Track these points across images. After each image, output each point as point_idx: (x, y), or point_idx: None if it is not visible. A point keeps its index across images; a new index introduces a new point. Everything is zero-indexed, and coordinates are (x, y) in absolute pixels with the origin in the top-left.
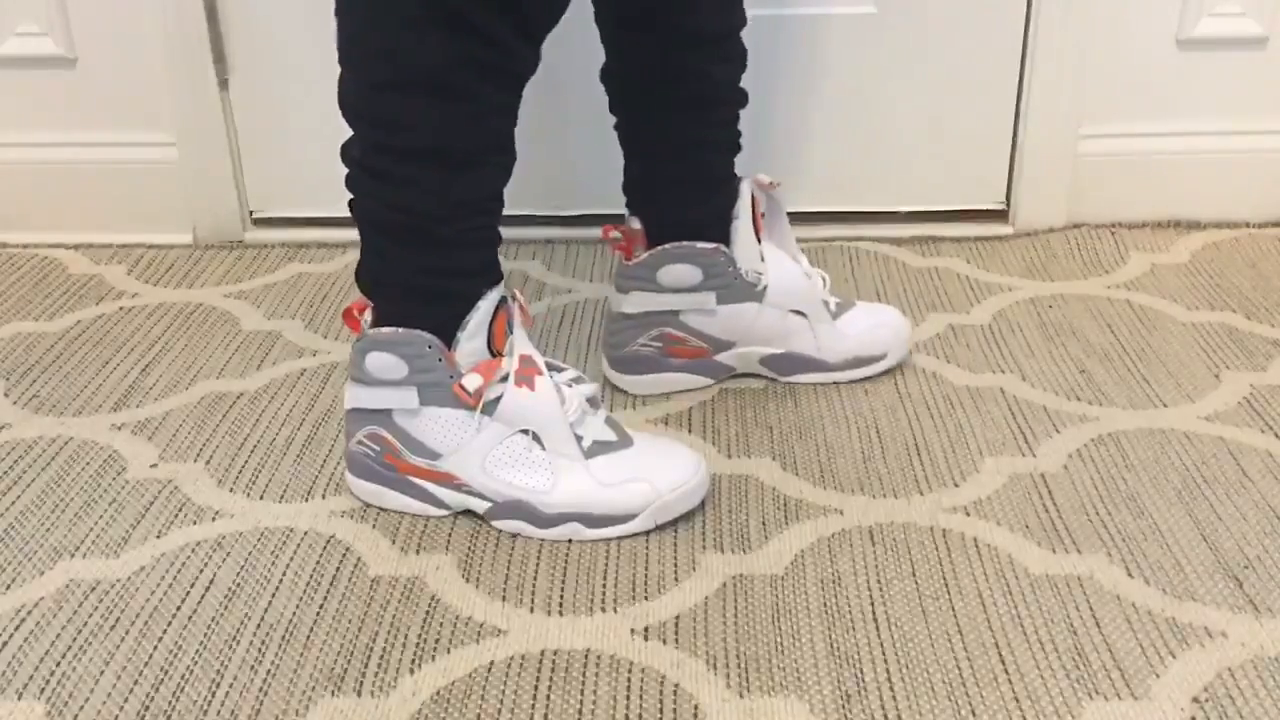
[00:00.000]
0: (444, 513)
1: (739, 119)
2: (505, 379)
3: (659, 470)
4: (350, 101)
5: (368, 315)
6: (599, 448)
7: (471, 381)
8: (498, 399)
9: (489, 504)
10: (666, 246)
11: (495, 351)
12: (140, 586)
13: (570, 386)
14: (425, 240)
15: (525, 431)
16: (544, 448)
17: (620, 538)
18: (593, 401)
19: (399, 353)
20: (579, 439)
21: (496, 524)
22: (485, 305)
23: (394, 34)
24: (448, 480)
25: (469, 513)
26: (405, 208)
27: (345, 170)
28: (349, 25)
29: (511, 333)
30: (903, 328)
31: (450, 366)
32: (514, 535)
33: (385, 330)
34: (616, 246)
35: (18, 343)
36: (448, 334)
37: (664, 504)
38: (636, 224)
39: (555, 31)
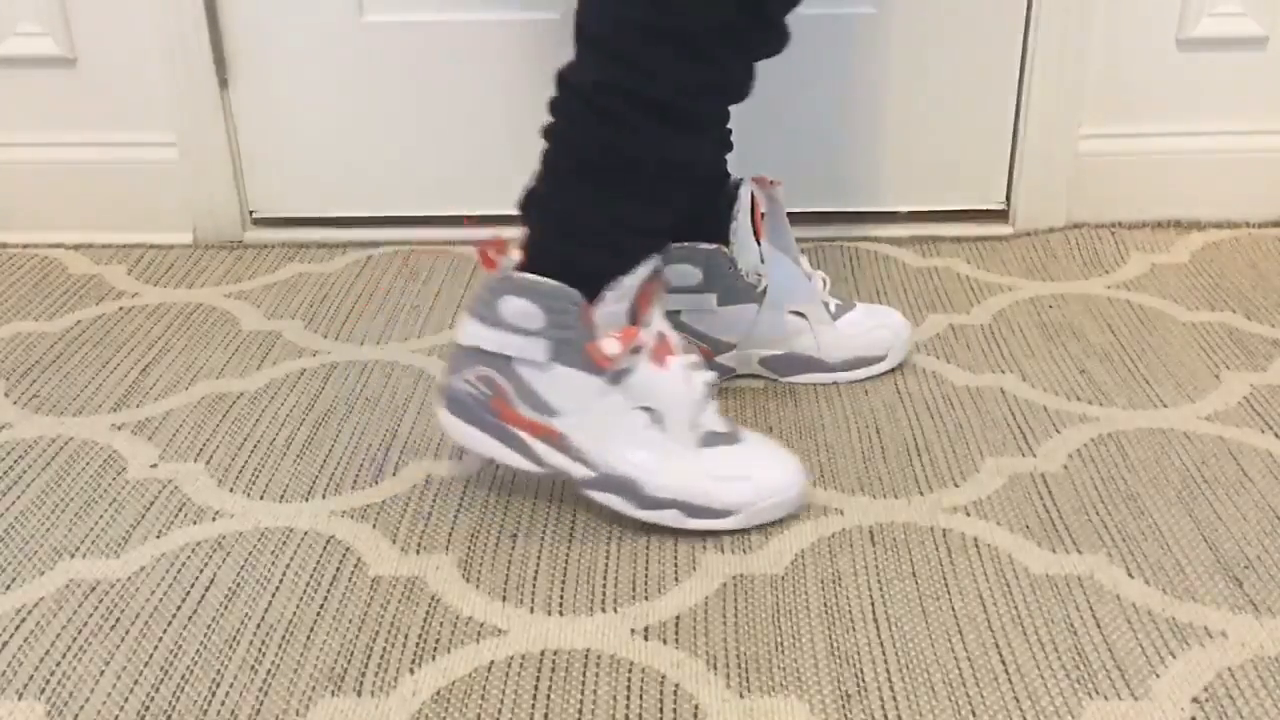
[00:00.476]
0: (534, 469)
1: (729, 116)
2: (638, 351)
3: (766, 472)
4: (597, 32)
5: (512, 256)
6: (713, 438)
7: (610, 345)
8: (628, 370)
9: (591, 474)
10: (668, 247)
11: (634, 321)
12: (140, 586)
13: (694, 371)
14: (623, 189)
15: (647, 409)
16: (663, 429)
17: (715, 532)
18: (710, 389)
19: (541, 303)
20: (696, 426)
21: (591, 494)
22: (644, 270)
23: None
24: (554, 439)
25: (469, 512)
26: (618, 151)
27: (555, 94)
28: None
29: (653, 306)
30: (903, 329)
31: (587, 327)
32: (513, 535)
33: (532, 277)
34: None
35: (18, 343)
36: (596, 288)
37: (763, 508)
38: None
39: (553, 34)
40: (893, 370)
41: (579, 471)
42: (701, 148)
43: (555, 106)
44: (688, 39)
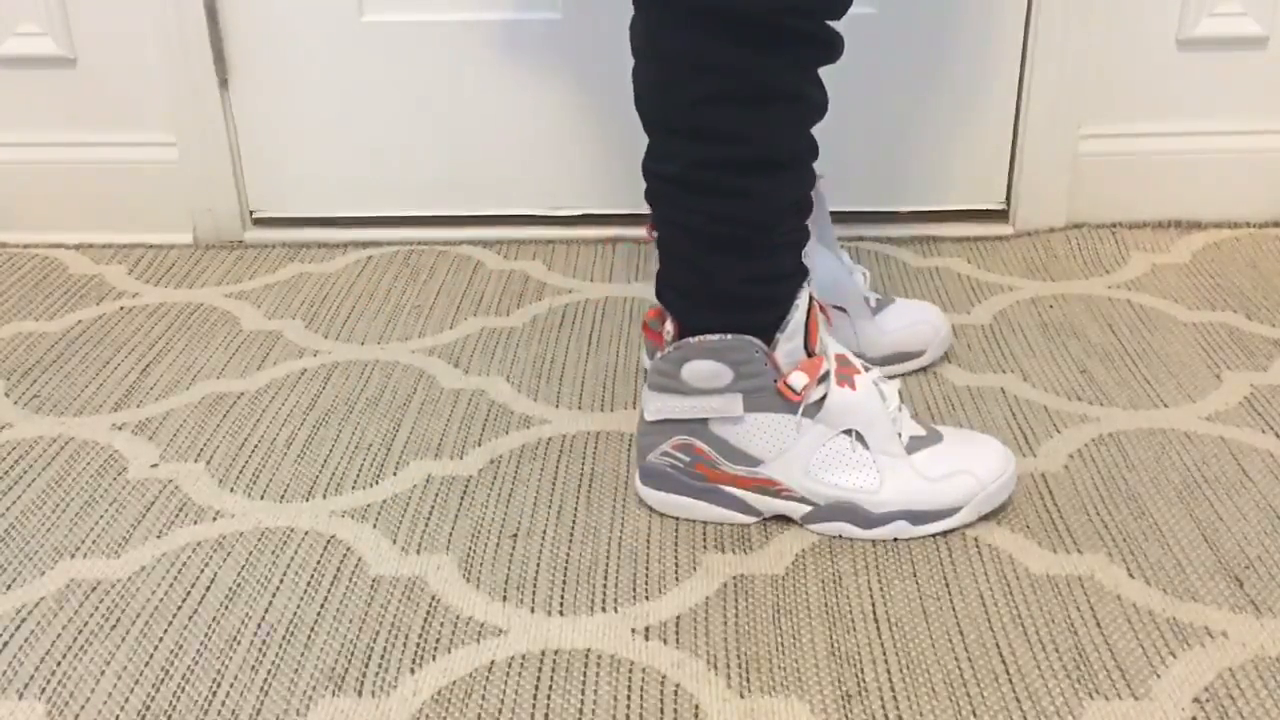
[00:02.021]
0: (752, 520)
1: None
2: (825, 378)
3: (977, 461)
4: (666, 117)
5: (668, 326)
6: (916, 443)
7: (798, 380)
8: (820, 400)
9: (809, 508)
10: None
11: (809, 351)
12: (141, 586)
13: (883, 384)
14: (751, 248)
15: (848, 432)
16: (868, 447)
17: (945, 532)
18: (900, 397)
19: (725, 360)
20: (899, 436)
21: (814, 528)
22: (802, 304)
23: (727, 49)
24: (767, 486)
25: (469, 512)
26: (733, 219)
27: (648, 186)
28: (670, 42)
29: (821, 330)
30: (942, 324)
31: (775, 369)
32: (514, 535)
33: (710, 338)
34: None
35: (18, 343)
36: (766, 337)
37: (987, 495)
38: None
39: (553, 34)
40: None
41: (797, 510)
42: (808, 176)
43: (655, 199)
44: (764, 92)
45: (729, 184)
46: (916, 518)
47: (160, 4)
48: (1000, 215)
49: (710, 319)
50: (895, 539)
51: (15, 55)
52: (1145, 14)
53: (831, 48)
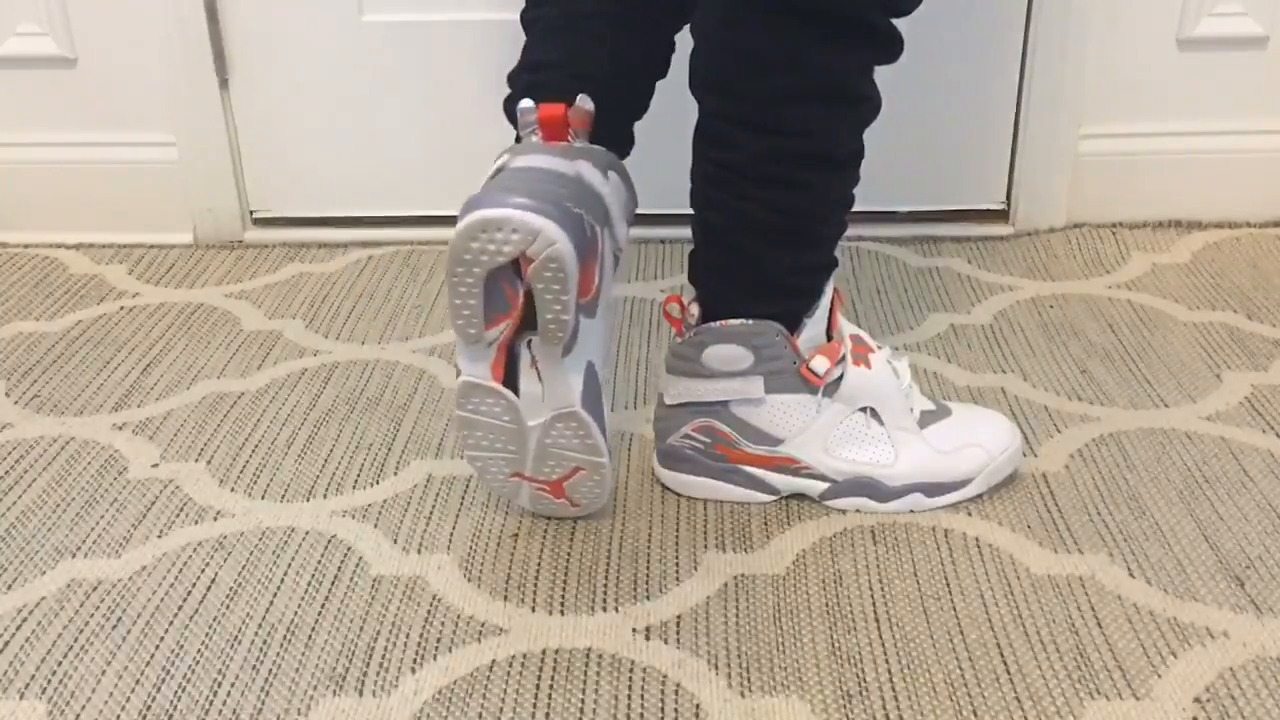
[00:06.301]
0: (771, 499)
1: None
2: (842, 359)
3: (988, 433)
4: (734, 109)
5: (694, 310)
6: (927, 417)
7: (820, 364)
8: (838, 380)
9: (827, 484)
10: None
11: (828, 335)
12: (142, 586)
13: (896, 362)
14: (800, 240)
15: (863, 409)
16: (882, 423)
17: (957, 503)
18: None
19: (747, 344)
20: (912, 411)
21: (832, 504)
22: (828, 291)
23: (802, 47)
24: (787, 465)
25: (470, 512)
26: (790, 209)
27: (701, 169)
28: (747, 40)
29: (839, 312)
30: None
31: (795, 353)
32: (514, 535)
33: (733, 322)
34: None
35: (19, 343)
36: (793, 322)
37: (997, 466)
38: None
39: None
40: None
41: (816, 487)
42: (858, 174)
43: (709, 182)
44: (834, 90)
45: (791, 176)
46: (931, 490)
47: (160, 4)
48: (1000, 215)
49: (746, 305)
50: (911, 511)
51: (15, 55)
52: (1145, 14)
53: (895, 47)
